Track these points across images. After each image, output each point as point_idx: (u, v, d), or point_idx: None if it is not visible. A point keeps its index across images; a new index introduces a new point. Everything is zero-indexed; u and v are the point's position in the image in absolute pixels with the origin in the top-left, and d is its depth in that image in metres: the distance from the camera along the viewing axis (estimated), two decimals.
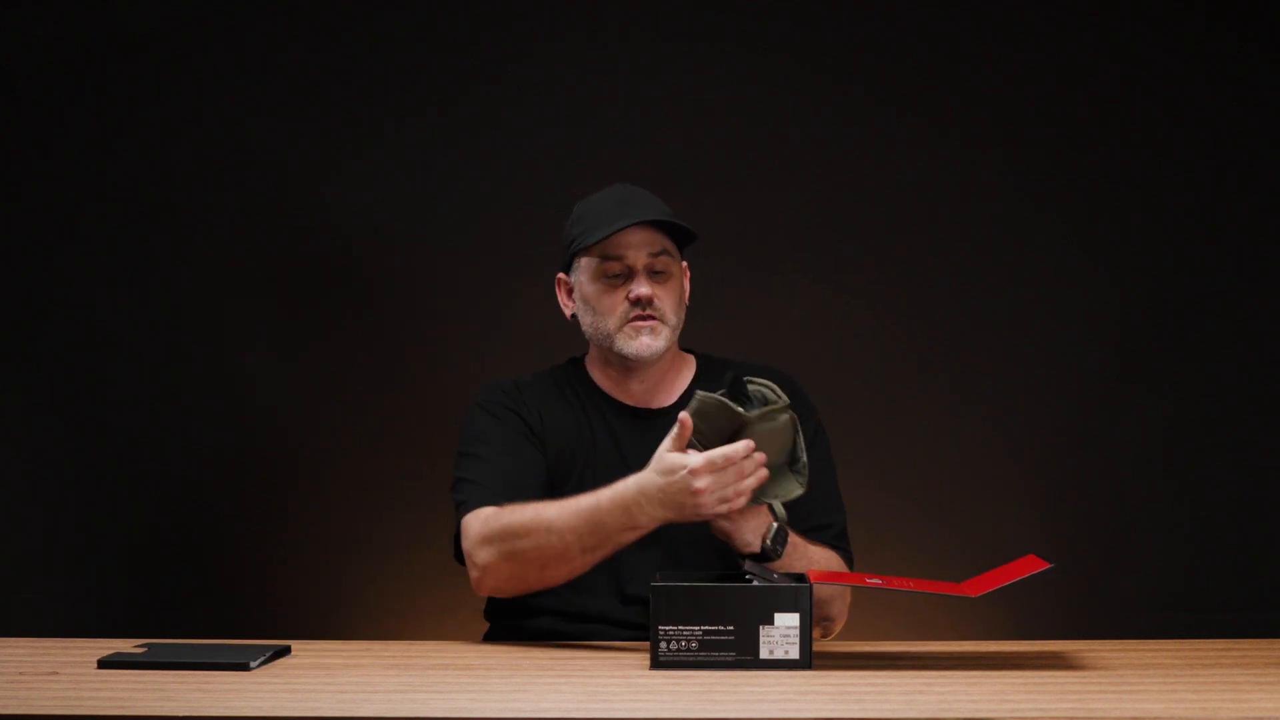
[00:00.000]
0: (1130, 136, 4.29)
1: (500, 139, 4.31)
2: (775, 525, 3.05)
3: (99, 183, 4.31)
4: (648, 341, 3.23)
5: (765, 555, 3.04)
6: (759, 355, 3.43)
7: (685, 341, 3.36)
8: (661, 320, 3.24)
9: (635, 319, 3.23)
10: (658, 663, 2.79)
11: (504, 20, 4.31)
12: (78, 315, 4.31)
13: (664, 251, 3.24)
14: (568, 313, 3.33)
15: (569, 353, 3.40)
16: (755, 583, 2.86)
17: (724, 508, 2.96)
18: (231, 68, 4.30)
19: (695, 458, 2.94)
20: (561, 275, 3.34)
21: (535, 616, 3.23)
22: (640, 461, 3.04)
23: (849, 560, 3.26)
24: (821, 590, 3.15)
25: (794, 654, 2.78)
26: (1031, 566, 2.93)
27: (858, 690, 2.64)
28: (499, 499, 3.14)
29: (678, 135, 4.30)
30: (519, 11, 4.31)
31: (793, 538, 3.10)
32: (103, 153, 4.31)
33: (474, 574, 3.14)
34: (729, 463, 2.94)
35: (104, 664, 2.82)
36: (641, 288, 3.22)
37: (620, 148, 4.29)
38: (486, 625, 3.35)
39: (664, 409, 3.29)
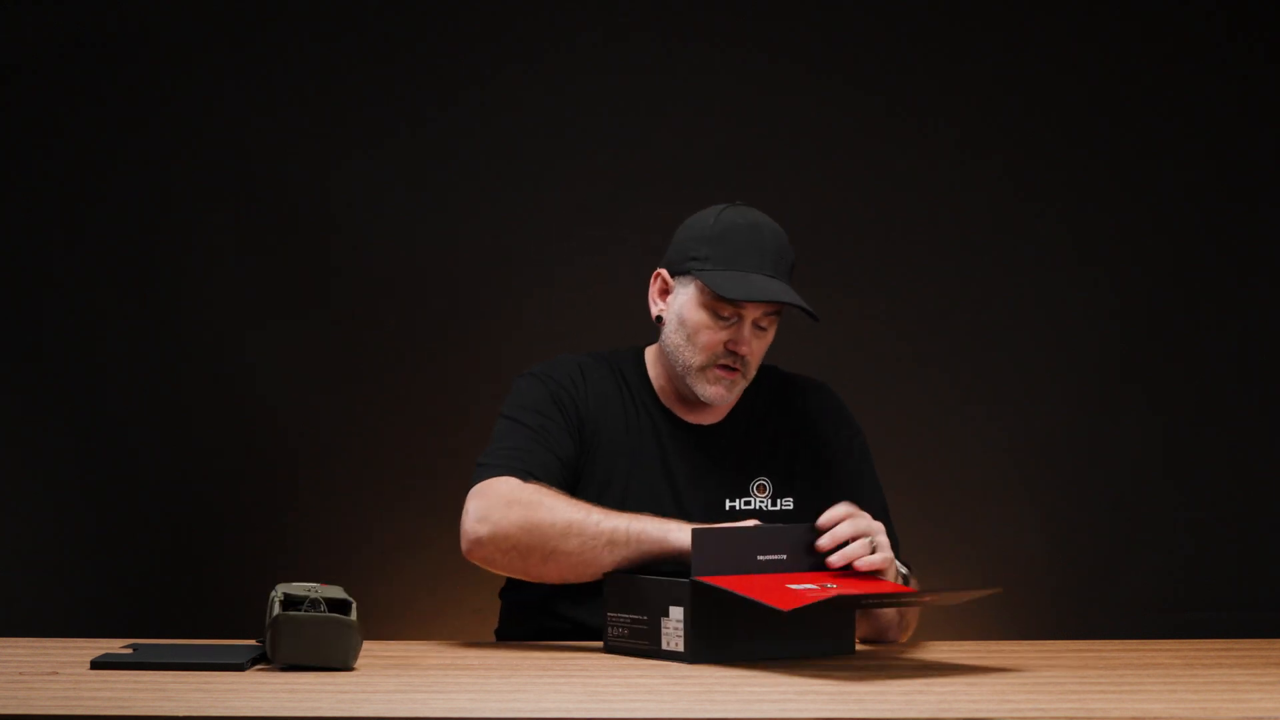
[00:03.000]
0: (1130, 136, 4.29)
1: (501, 139, 4.30)
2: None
3: (99, 183, 4.31)
4: (723, 393, 3.14)
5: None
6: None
7: None
8: (744, 374, 3.15)
9: (723, 366, 3.13)
10: (608, 647, 2.94)
11: (504, 20, 4.30)
12: (78, 315, 4.31)
13: (777, 311, 3.16)
14: (654, 310, 3.19)
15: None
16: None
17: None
18: (231, 68, 4.30)
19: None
20: (663, 272, 3.19)
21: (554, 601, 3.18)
22: (683, 476, 3.11)
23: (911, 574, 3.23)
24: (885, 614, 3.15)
25: (679, 646, 2.84)
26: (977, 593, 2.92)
27: (858, 690, 2.64)
28: (530, 478, 3.04)
29: (678, 135, 4.30)
30: (519, 11, 4.31)
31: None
32: (103, 153, 4.30)
33: (479, 532, 3.00)
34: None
35: (96, 665, 2.82)
36: (745, 345, 3.12)
37: (620, 148, 4.28)
38: (486, 625, 3.34)
39: (715, 425, 3.21)
